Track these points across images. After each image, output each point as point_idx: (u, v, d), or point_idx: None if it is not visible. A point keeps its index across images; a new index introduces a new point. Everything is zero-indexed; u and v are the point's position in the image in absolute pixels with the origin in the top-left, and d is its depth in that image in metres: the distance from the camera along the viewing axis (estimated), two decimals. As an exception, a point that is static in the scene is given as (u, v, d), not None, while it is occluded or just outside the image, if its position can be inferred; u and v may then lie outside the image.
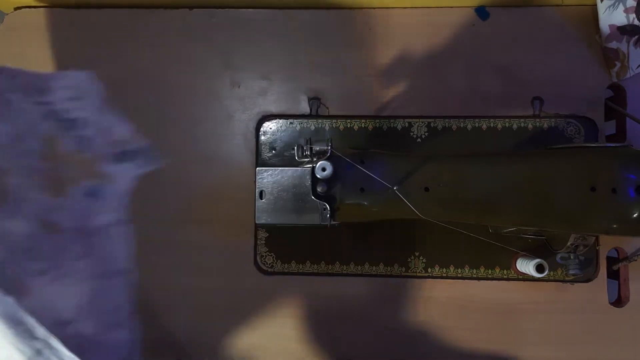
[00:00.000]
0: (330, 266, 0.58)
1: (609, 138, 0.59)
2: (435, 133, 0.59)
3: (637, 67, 0.57)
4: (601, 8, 0.57)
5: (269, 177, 0.54)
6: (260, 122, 0.60)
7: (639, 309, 0.55)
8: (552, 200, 0.44)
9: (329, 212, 0.46)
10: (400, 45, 0.61)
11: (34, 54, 0.63)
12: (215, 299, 0.59)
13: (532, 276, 0.52)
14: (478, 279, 0.57)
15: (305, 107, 0.60)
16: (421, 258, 0.57)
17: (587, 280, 0.56)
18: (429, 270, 0.57)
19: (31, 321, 0.39)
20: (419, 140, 0.59)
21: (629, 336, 0.56)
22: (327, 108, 0.60)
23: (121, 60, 0.63)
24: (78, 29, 0.63)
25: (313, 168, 0.45)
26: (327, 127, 0.60)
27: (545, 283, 0.56)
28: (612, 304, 0.56)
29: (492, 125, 0.58)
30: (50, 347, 0.39)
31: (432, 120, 0.59)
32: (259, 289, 0.59)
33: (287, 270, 0.59)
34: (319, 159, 0.45)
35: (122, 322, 0.54)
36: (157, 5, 0.63)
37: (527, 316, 0.57)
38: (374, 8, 0.62)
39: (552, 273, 0.56)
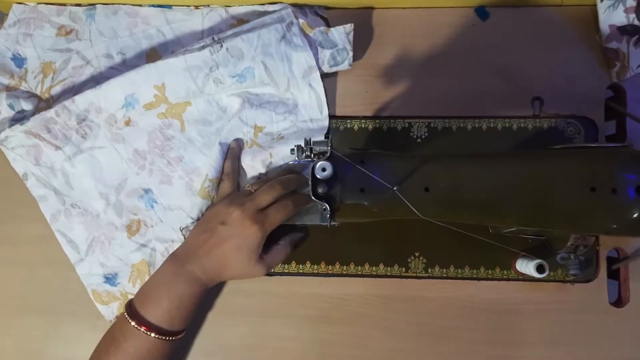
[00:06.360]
0: (330, 267, 0.58)
1: (609, 138, 0.59)
2: (435, 133, 0.58)
3: (637, 67, 0.57)
4: (601, 8, 0.57)
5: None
6: (260, 123, 0.60)
7: (639, 309, 0.55)
8: (552, 200, 0.44)
9: (329, 212, 0.46)
10: (400, 45, 0.61)
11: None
12: (215, 299, 0.59)
13: (532, 276, 0.52)
14: (478, 279, 0.57)
15: (305, 108, 0.60)
16: (421, 258, 0.57)
17: (587, 281, 0.56)
18: (429, 270, 0.57)
19: None
20: (418, 140, 0.59)
21: (629, 336, 0.56)
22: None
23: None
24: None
25: (313, 168, 0.45)
26: (327, 128, 0.60)
27: (545, 283, 0.56)
28: (612, 304, 0.56)
29: (492, 125, 0.58)
30: None
31: (432, 120, 0.59)
32: (259, 289, 0.59)
33: (287, 271, 0.58)
34: (319, 159, 0.45)
35: None
36: (156, 6, 0.63)
37: (527, 316, 0.57)
38: (374, 8, 0.62)
39: (552, 273, 0.56)
